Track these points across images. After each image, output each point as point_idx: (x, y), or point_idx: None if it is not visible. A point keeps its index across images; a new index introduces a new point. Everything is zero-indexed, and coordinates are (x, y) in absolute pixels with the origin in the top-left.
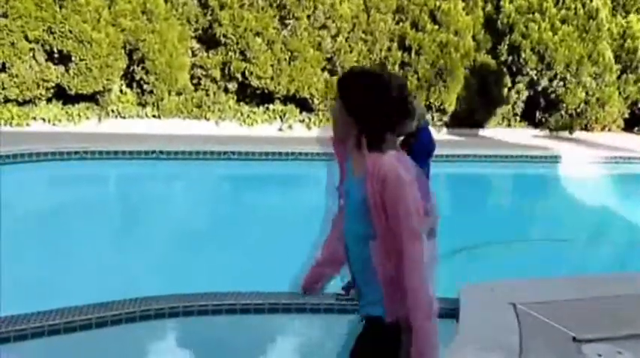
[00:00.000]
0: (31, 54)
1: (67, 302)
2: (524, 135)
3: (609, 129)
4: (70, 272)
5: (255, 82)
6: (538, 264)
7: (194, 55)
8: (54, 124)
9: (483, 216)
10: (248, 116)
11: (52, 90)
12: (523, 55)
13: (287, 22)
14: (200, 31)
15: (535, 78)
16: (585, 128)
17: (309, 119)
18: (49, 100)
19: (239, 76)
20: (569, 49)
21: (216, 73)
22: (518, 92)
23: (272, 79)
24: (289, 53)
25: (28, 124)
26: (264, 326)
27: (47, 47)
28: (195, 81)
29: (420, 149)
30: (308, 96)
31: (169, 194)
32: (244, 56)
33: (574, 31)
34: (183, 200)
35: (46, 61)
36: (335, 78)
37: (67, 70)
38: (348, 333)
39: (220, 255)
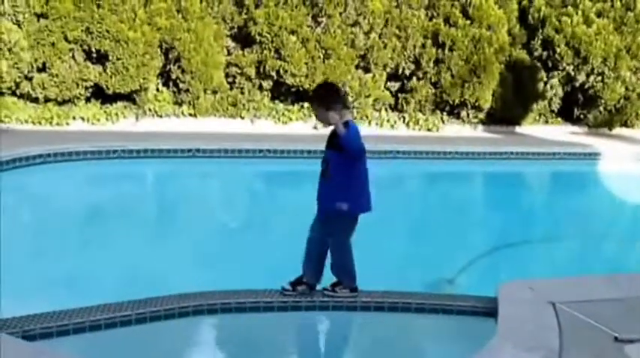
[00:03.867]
0: (71, 54)
1: (107, 299)
2: (561, 133)
3: None
4: (109, 269)
5: (289, 80)
6: (577, 263)
7: (229, 53)
8: (92, 123)
9: (521, 214)
10: (283, 114)
11: (90, 90)
12: (558, 50)
13: (320, 19)
14: (235, 30)
15: (572, 73)
16: (625, 124)
17: None
18: (87, 100)
19: (274, 74)
20: (605, 43)
21: (251, 72)
22: (554, 88)
23: (306, 76)
24: (323, 51)
25: (67, 123)
26: (302, 323)
27: (85, 47)
28: (230, 79)
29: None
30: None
31: (206, 192)
32: (279, 54)
33: (610, 24)
34: (219, 198)
35: (85, 60)
36: (369, 75)
37: (104, 70)
38: (369, 331)
39: (257, 253)
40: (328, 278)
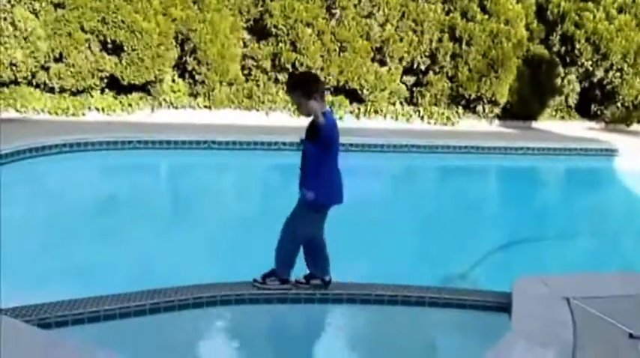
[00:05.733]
0: (87, 44)
1: (121, 288)
2: (578, 128)
3: None
4: (123, 258)
5: None
6: (592, 259)
7: (245, 45)
8: (108, 114)
9: (536, 209)
10: None
11: (105, 80)
12: (577, 46)
13: (334, 11)
14: (251, 22)
15: (590, 69)
16: None
17: (359, 109)
18: (102, 90)
19: (289, 66)
20: (626, 39)
21: (267, 64)
22: (571, 83)
23: (322, 69)
24: (339, 44)
25: (83, 114)
26: (315, 316)
27: (101, 37)
28: (246, 71)
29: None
30: (358, 87)
31: (220, 184)
32: (294, 47)
33: (632, 20)
34: (234, 190)
35: (101, 51)
36: (385, 69)
37: (120, 60)
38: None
39: (272, 246)
40: (338, 271)
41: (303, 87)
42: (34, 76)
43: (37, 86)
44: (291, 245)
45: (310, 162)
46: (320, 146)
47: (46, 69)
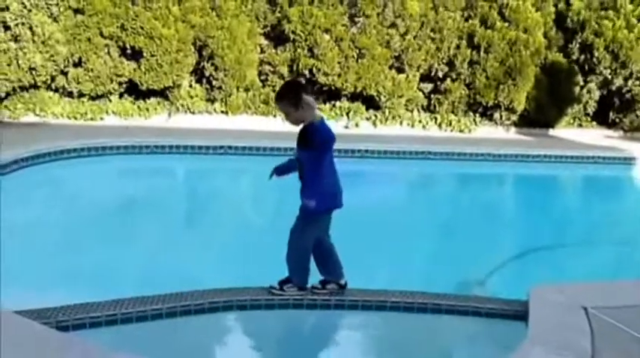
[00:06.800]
0: (106, 49)
1: (136, 292)
2: (596, 136)
3: None
4: (140, 262)
5: (322, 79)
6: (610, 268)
7: (262, 51)
8: (126, 119)
9: (553, 217)
10: None
11: (124, 86)
12: (596, 54)
13: (357, 19)
14: (268, 28)
15: (609, 77)
16: None
17: (376, 116)
18: (120, 95)
19: (306, 72)
20: None
21: (284, 70)
22: (590, 91)
23: (339, 76)
24: (357, 50)
25: (102, 118)
26: (330, 322)
27: (120, 43)
28: (263, 77)
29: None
30: (375, 94)
31: (237, 189)
32: (312, 53)
33: None
34: (250, 195)
35: (120, 56)
36: (402, 76)
37: (138, 66)
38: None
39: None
40: (354, 277)
41: (289, 96)
42: (53, 80)
43: (56, 90)
44: (300, 253)
45: (305, 169)
46: (314, 151)
47: (65, 73)
